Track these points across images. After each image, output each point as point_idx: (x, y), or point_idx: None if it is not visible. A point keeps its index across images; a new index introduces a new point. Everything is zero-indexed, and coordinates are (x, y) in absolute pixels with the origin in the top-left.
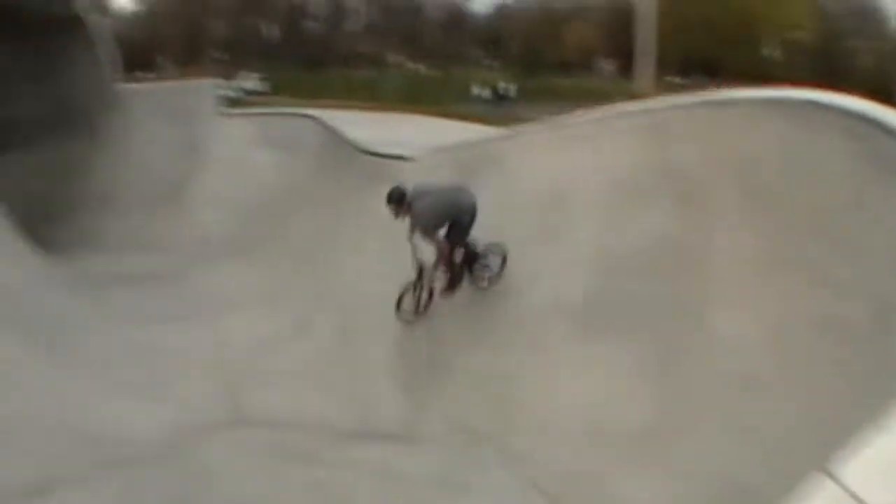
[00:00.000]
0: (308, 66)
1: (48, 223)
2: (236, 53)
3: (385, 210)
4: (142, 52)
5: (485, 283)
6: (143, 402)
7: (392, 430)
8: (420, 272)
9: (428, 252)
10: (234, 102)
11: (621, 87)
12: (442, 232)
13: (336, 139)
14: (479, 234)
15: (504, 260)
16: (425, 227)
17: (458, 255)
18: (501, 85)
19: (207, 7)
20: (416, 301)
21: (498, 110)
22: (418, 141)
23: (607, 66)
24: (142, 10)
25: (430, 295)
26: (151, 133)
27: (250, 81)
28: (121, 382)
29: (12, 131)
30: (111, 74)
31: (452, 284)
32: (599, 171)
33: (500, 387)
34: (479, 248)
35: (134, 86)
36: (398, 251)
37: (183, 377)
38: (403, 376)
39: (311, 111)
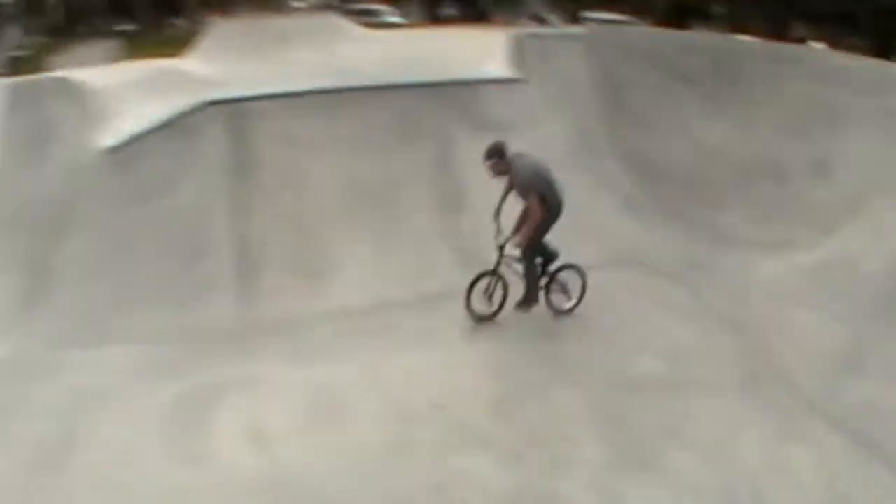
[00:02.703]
0: None
1: None
2: None
3: None
4: None
5: (565, 307)
6: None
7: None
8: (500, 258)
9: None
10: None
11: None
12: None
13: None
14: None
15: (584, 284)
16: (524, 185)
17: (536, 258)
18: None
19: None
20: (489, 295)
21: None
22: None
23: None
24: None
25: (505, 293)
26: None
27: None
28: None
29: None
30: None
31: (530, 297)
32: None
33: None
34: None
35: None
36: None
37: None
38: None
39: None
